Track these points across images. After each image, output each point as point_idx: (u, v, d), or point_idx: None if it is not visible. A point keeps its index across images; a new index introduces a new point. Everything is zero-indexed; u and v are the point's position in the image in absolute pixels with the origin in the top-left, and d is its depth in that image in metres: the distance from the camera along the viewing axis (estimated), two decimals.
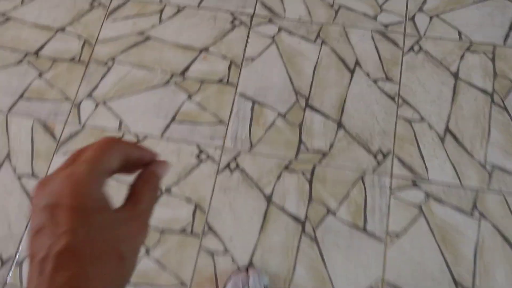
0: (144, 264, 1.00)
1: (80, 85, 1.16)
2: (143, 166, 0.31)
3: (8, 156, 1.10)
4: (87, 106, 1.14)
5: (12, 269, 1.01)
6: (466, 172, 1.05)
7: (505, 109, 1.09)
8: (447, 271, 0.97)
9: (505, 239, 0.99)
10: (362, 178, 1.05)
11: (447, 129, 1.08)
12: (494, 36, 1.16)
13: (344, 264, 0.99)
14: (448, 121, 1.09)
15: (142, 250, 1.00)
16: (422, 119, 1.10)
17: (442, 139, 1.08)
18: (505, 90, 1.11)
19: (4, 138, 1.12)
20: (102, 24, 1.22)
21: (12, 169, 1.09)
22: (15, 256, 1.02)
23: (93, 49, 1.20)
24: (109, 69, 1.17)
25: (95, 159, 0.27)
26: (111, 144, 0.28)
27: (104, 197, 0.26)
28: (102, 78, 1.16)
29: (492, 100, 1.10)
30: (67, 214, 0.24)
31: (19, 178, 1.08)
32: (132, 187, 0.30)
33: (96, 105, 1.14)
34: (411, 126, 1.09)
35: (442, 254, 0.99)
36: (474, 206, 1.02)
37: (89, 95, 1.15)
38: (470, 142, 1.07)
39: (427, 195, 1.03)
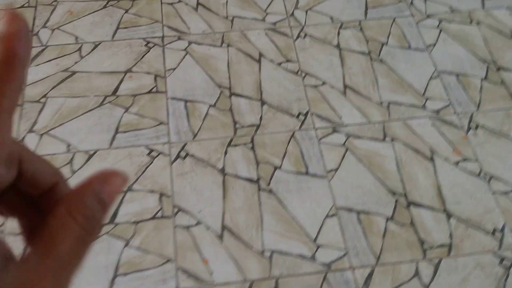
0: (126, 255, 1.15)
1: (19, 124, 1.33)
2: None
3: None
4: (31, 139, 1.30)
5: None
6: (369, 111, 1.41)
7: (381, 61, 1.51)
8: (381, 185, 1.28)
9: (415, 150, 1.34)
10: (293, 136, 1.35)
11: (345, 85, 1.45)
12: (356, 14, 1.61)
13: (300, 204, 1.25)
14: (344, 79, 1.47)
15: (120, 244, 1.17)
16: (324, 83, 1.46)
17: (343, 93, 1.44)
18: (377, 48, 1.54)
19: None
20: (28, 71, 1.43)
21: None
22: None
23: (23, 92, 1.39)
24: (44, 104, 1.37)
25: None
26: None
27: None
28: (39, 113, 1.35)
29: (370, 58, 1.52)
30: None
31: None
32: (46, 222, 0.20)
33: (40, 136, 1.31)
34: (317, 89, 1.44)
35: (373, 174, 1.30)
36: (385, 134, 1.37)
37: (30, 130, 1.32)
38: (365, 89, 1.45)
39: (347, 135, 1.36)
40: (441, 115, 1.40)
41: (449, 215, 1.24)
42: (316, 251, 1.17)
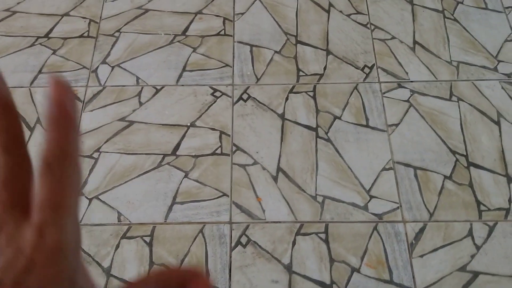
0: (185, 185, 1.18)
1: (93, 55, 1.36)
2: None
3: (38, 121, 1.27)
4: (103, 70, 1.34)
5: None
6: (438, 69, 1.34)
7: (455, 19, 1.42)
8: (443, 143, 1.23)
9: (481, 112, 1.27)
10: (356, 87, 1.31)
11: (415, 41, 1.39)
12: None
13: (357, 154, 1.22)
14: (414, 36, 1.40)
15: (180, 174, 1.19)
16: (393, 37, 1.40)
17: (412, 49, 1.37)
18: (452, 7, 1.44)
19: (31, 107, 1.28)
20: (103, 5, 1.46)
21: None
22: None
23: (99, 26, 1.42)
24: (117, 38, 1.39)
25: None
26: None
27: None
28: (112, 46, 1.38)
29: (444, 16, 1.43)
30: None
31: None
32: None
33: (112, 68, 1.34)
34: (386, 43, 1.38)
35: (435, 132, 1.25)
36: (451, 93, 1.30)
37: (103, 62, 1.35)
38: (435, 47, 1.37)
39: (412, 91, 1.30)
40: None
41: (510, 180, 1.17)
42: (369, 201, 1.15)
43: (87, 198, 1.16)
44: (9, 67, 1.35)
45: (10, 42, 1.39)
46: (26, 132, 1.25)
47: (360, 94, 1.30)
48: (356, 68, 1.34)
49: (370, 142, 1.23)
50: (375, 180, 1.18)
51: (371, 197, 1.15)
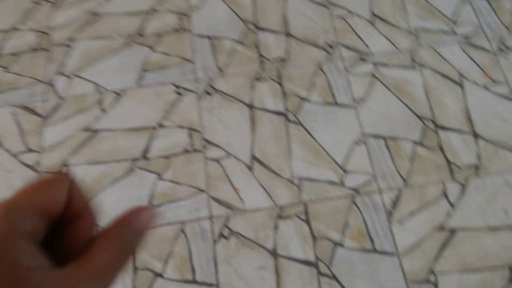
0: (160, 187, 1.27)
1: (47, 67, 1.45)
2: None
3: None
4: (60, 82, 1.42)
5: None
6: (398, 39, 1.47)
7: None
8: (410, 111, 1.36)
9: (444, 76, 1.40)
10: (320, 68, 1.43)
11: (373, 14, 1.51)
12: None
13: (328, 133, 1.34)
14: (372, 8, 1.52)
15: (153, 177, 1.28)
16: (351, 12, 1.52)
17: (372, 23, 1.50)
18: None
19: None
20: (52, 15, 1.54)
21: (6, 151, 1.33)
22: None
23: (50, 36, 1.50)
24: (70, 47, 1.48)
25: (16, 203, 0.23)
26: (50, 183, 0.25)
27: (35, 253, 0.23)
28: (66, 56, 1.46)
29: None
30: None
31: (16, 156, 1.32)
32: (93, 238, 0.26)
33: (69, 78, 1.43)
34: (345, 20, 1.50)
35: (402, 101, 1.37)
36: (413, 61, 1.43)
37: (59, 73, 1.44)
38: (394, 18, 1.50)
39: (375, 64, 1.43)
40: (470, 40, 1.44)
41: (477, 137, 1.30)
42: (344, 176, 1.26)
43: None
44: None
45: None
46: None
47: (324, 73, 1.41)
48: (318, 48, 1.45)
49: (340, 120, 1.35)
50: (347, 156, 1.29)
51: (346, 172, 1.27)
